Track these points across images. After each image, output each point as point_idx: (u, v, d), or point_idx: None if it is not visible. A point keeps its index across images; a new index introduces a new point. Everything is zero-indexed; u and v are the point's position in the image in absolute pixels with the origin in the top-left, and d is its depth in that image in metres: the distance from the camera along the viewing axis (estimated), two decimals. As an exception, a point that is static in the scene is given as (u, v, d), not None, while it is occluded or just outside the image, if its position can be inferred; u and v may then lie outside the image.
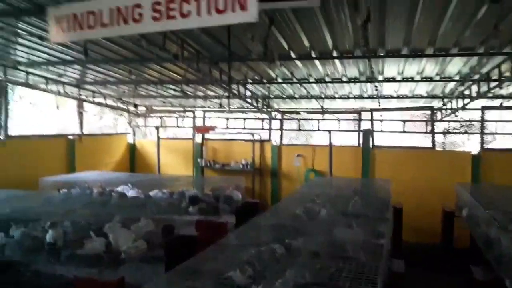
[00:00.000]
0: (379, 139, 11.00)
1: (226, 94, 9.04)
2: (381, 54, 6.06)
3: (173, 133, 13.98)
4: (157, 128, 12.45)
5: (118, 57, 6.79)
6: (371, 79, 7.86)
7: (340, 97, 9.99)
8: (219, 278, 3.05)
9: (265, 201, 11.14)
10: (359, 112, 11.42)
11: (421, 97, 9.68)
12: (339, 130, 11.24)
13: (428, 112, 11.16)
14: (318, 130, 11.56)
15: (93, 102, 10.48)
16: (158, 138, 12.35)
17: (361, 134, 10.88)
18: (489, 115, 10.31)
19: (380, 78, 7.80)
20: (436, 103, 10.51)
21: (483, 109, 10.05)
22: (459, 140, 11.22)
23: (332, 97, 10.01)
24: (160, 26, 3.18)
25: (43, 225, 4.85)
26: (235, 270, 3.14)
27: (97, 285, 3.88)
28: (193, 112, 12.77)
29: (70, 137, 10.47)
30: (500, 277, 4.20)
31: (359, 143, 10.94)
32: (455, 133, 10.76)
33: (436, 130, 10.93)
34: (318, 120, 11.55)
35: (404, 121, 10.99)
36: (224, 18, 2.94)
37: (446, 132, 10.89)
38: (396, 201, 6.83)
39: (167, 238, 5.02)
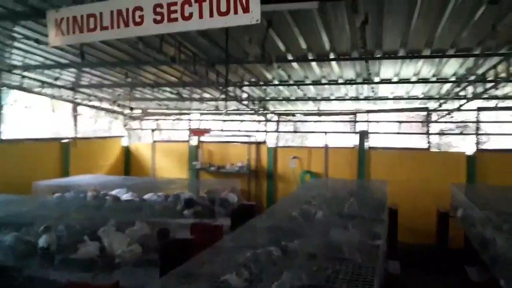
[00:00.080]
0: (374, 141, 11.01)
1: (222, 96, 9.03)
2: (378, 56, 6.07)
3: (168, 136, 13.93)
4: (152, 131, 12.40)
5: (114, 60, 6.76)
6: (368, 81, 7.87)
7: (336, 99, 10.00)
8: (215, 281, 3.02)
9: (261, 203, 11.12)
10: (354, 114, 11.43)
11: (417, 98, 9.72)
12: (335, 132, 11.24)
13: (424, 113, 11.19)
14: (314, 132, 11.56)
15: (88, 105, 10.43)
16: (154, 141, 12.30)
17: (356, 135, 10.89)
18: (484, 115, 10.34)
19: (377, 79, 7.81)
20: (432, 104, 10.54)
21: (479, 110, 10.09)
22: (454, 141, 11.24)
23: (328, 99, 10.02)
24: (162, 29, 3.16)
25: (36, 229, 4.79)
26: (231, 273, 3.12)
27: (91, 289, 3.85)
28: (189, 114, 12.73)
29: (65, 140, 10.40)
30: (495, 277, 4.20)
31: (354, 145, 10.95)
32: (450, 134, 10.78)
33: (431, 131, 10.96)
34: (314, 122, 11.55)
35: (399, 122, 11.01)
36: (226, 20, 2.92)
37: (441, 133, 10.91)
38: (391, 202, 6.83)
39: (162, 241, 4.98)
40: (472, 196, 6.79)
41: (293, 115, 12.02)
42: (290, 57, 6.32)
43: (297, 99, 10.27)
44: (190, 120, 12.80)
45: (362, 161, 10.55)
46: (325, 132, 10.95)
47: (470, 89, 7.72)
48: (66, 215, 5.36)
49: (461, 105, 8.22)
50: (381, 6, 4.34)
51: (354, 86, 8.54)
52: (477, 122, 10.23)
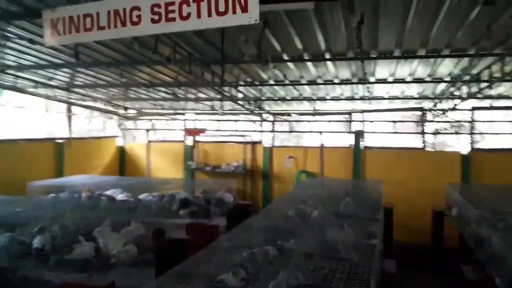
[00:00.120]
0: (370, 140, 11.04)
1: (218, 96, 9.01)
2: (374, 56, 6.08)
3: (163, 136, 13.90)
4: (147, 131, 12.36)
5: (108, 60, 6.72)
6: (363, 81, 7.89)
7: (332, 99, 10.02)
8: (211, 281, 3.02)
9: (256, 203, 11.11)
10: (350, 114, 11.45)
11: (412, 98, 9.75)
12: (330, 132, 11.25)
13: (419, 113, 11.23)
14: (310, 131, 11.57)
15: (83, 106, 10.37)
16: (148, 141, 12.26)
17: (352, 135, 10.91)
18: (478, 115, 10.41)
19: (372, 79, 7.83)
20: (427, 104, 10.59)
21: (473, 109, 10.15)
22: (449, 140, 11.29)
23: (323, 99, 10.03)
24: (160, 29, 3.12)
25: (31, 230, 4.76)
26: (228, 273, 3.11)
27: (87, 290, 3.83)
28: (184, 114, 12.70)
29: (59, 140, 10.34)
30: (491, 276, 4.23)
31: (350, 144, 10.97)
32: (445, 133, 10.84)
33: (426, 131, 11.01)
34: (309, 121, 11.56)
35: (394, 122, 11.05)
36: (224, 20, 2.90)
37: (436, 133, 10.97)
38: (386, 201, 6.86)
39: (157, 241, 4.96)
40: (467, 195, 6.82)
41: (289, 114, 12.03)
42: (285, 57, 6.32)
43: (292, 99, 10.28)
44: (185, 120, 12.76)
45: (357, 160, 10.58)
46: (321, 132, 10.96)
47: (464, 89, 7.76)
48: (60, 215, 5.33)
49: (455, 105, 8.26)
50: (376, 6, 4.35)
51: (350, 86, 8.56)
52: (472, 121, 10.29)
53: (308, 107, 11.23)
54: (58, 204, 6.79)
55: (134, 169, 12.55)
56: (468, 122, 10.45)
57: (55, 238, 4.56)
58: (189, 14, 2.97)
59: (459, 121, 10.63)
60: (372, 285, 2.79)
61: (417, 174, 9.97)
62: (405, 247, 8.27)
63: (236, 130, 12.07)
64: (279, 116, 12.09)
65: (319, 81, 8.04)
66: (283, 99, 10.32)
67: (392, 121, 11.13)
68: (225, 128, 12.48)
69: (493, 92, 8.14)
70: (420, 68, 6.97)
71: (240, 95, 9.54)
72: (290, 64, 6.81)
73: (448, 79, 7.56)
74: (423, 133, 10.90)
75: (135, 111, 12.78)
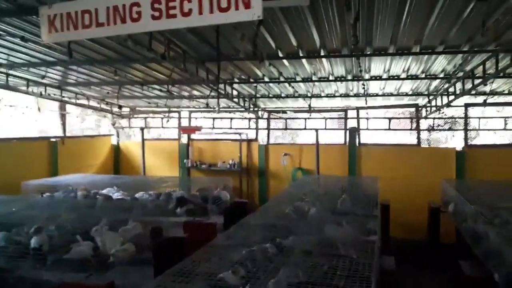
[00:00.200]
0: (365, 137, 11.07)
1: (212, 94, 8.98)
2: (368, 53, 6.09)
3: (158, 134, 13.83)
4: (141, 129, 12.29)
5: (101, 58, 6.66)
6: (358, 78, 7.90)
7: (327, 96, 10.03)
8: (211, 280, 3.01)
9: (253, 201, 11.10)
10: (345, 111, 11.47)
11: (406, 94, 9.79)
12: (325, 129, 11.26)
13: (413, 109, 11.28)
14: (305, 129, 11.58)
15: (76, 104, 10.29)
16: (143, 139, 12.19)
17: (347, 132, 10.93)
18: (473, 111, 10.46)
19: (367, 76, 7.85)
20: (421, 101, 10.63)
21: (467, 106, 10.20)
22: (443, 136, 11.37)
23: (318, 96, 10.04)
24: (160, 25, 3.08)
25: (27, 230, 4.72)
26: (228, 271, 3.11)
27: (85, 290, 3.80)
28: (179, 112, 12.65)
29: (53, 139, 10.25)
30: (489, 271, 4.25)
31: (345, 141, 10.99)
32: (440, 129, 10.89)
33: (421, 127, 11.06)
34: (304, 119, 11.57)
35: (389, 118, 11.08)
36: (227, 16, 2.85)
37: (431, 129, 11.02)
38: (382, 197, 6.88)
39: (155, 240, 4.94)
40: (463, 191, 6.86)
41: (284, 112, 12.02)
42: (280, 54, 6.30)
43: (287, 96, 10.28)
44: (180, 118, 12.71)
45: (353, 157, 10.60)
46: (316, 129, 10.96)
47: (458, 86, 7.80)
48: (57, 215, 5.29)
49: (450, 101, 8.29)
50: (371, 3, 4.35)
51: (344, 83, 8.56)
52: (466, 118, 10.34)
53: (303, 105, 11.23)
54: (54, 204, 6.74)
55: (129, 167, 12.48)
56: (462, 118, 10.50)
57: (52, 238, 4.52)
58: (190, 11, 2.92)
59: (453, 118, 10.69)
60: (373, 283, 2.79)
61: (413, 170, 10.00)
62: (402, 243, 8.29)
63: (231, 128, 12.03)
64: (274, 114, 12.07)
65: (314, 78, 8.04)
66: (278, 97, 10.32)
67: (387, 118, 11.15)
68: (220, 126, 12.43)
69: (487, 88, 8.19)
70: (414, 65, 6.99)
71: (235, 93, 9.51)
72: (285, 61, 6.80)
73: (442, 75, 7.60)
74: (418, 129, 10.94)
75: (129, 109, 12.70)
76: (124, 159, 12.70)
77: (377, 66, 7.18)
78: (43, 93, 8.87)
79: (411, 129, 11.19)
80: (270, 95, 10.27)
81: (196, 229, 6.21)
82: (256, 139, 11.80)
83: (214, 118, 12.31)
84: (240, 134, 11.61)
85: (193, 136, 12.05)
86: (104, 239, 4.48)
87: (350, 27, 4.76)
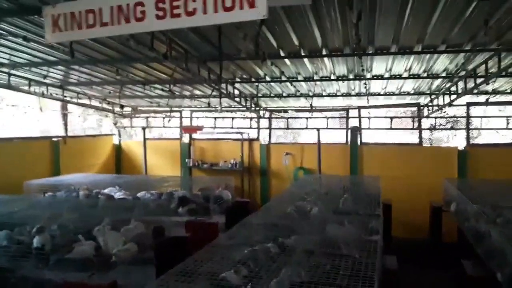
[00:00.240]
0: (366, 136, 11.06)
1: (214, 93, 8.97)
2: (370, 52, 6.08)
3: (159, 134, 13.84)
4: (143, 128, 12.30)
5: (103, 57, 6.67)
6: (360, 77, 7.89)
7: (328, 95, 10.02)
8: (214, 279, 3.01)
9: (254, 200, 11.10)
10: (346, 110, 11.46)
11: (408, 94, 9.77)
12: (327, 128, 11.25)
13: (414, 108, 11.25)
14: (307, 128, 11.57)
15: (78, 103, 10.30)
16: (145, 138, 12.20)
17: (349, 131, 10.92)
18: (475, 110, 10.44)
19: (368, 75, 7.83)
20: (423, 100, 10.61)
21: (468, 105, 10.18)
22: (445, 136, 11.35)
23: (320, 95, 10.03)
24: (165, 25, 3.06)
25: (29, 229, 4.73)
26: (230, 270, 3.10)
27: (88, 289, 3.81)
28: (180, 112, 12.65)
29: (55, 139, 10.27)
30: (491, 270, 4.24)
31: (347, 141, 10.98)
32: (442, 129, 10.87)
33: (422, 127, 11.04)
34: (306, 118, 11.56)
35: (391, 118, 11.07)
36: (231, 15, 2.83)
37: (432, 128, 10.99)
38: (384, 197, 6.87)
39: (157, 239, 4.94)
40: (465, 190, 6.85)
41: (285, 111, 12.01)
42: (282, 54, 6.30)
43: (289, 96, 10.27)
44: (181, 117, 12.71)
45: (354, 157, 10.59)
46: (318, 129, 10.95)
47: (460, 84, 7.78)
48: (59, 214, 5.29)
49: (452, 101, 8.28)
50: (373, 2, 4.34)
51: (346, 82, 8.55)
52: (468, 117, 10.32)
53: (305, 104, 11.22)
54: (56, 203, 6.74)
55: (130, 167, 12.49)
56: (464, 117, 10.48)
57: (54, 238, 4.52)
58: (195, 10, 2.90)
59: (455, 117, 10.66)
60: (376, 282, 2.79)
61: (414, 169, 9.99)
62: (403, 242, 8.28)
63: (233, 127, 12.03)
64: (276, 113, 12.07)
65: (315, 77, 8.04)
66: (279, 96, 10.31)
67: (389, 117, 11.13)
68: (221, 125, 12.44)
69: (489, 87, 8.18)
70: (416, 64, 6.98)
71: (237, 92, 9.51)
72: (287, 61, 6.79)
73: (444, 74, 7.58)
74: (420, 128, 10.92)
75: (130, 109, 12.71)
76: (125, 158, 12.72)
77: (379, 65, 7.17)
78: (45, 92, 8.89)
79: (412, 129, 11.17)
80: (272, 95, 10.27)
81: (198, 229, 6.21)
82: (257, 139, 11.80)
83: (215, 118, 12.32)
84: (241, 133, 11.61)
85: (194, 135, 12.05)
86: (106, 239, 4.48)
87: (352, 26, 4.76)
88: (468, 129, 10.31)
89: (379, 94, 9.90)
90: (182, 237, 5.61)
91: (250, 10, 2.77)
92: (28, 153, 9.33)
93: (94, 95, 10.49)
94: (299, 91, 9.60)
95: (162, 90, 9.43)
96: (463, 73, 7.26)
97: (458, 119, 10.68)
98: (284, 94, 10.19)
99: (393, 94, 9.83)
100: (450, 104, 8.58)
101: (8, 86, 7.92)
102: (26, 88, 8.43)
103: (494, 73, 6.11)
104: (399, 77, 7.84)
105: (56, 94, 9.38)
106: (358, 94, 9.90)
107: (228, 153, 11.68)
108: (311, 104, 10.50)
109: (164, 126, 12.92)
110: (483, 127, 10.68)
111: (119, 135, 12.94)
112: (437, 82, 8.47)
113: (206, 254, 3.51)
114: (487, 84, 7.08)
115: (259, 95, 10.19)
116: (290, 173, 11.09)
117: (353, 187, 7.29)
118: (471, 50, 5.81)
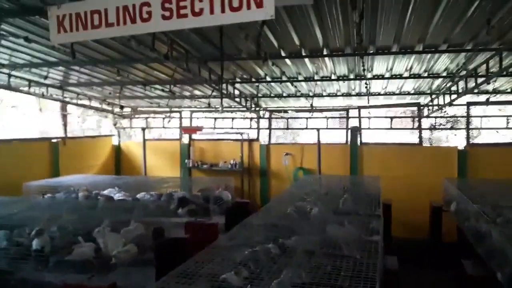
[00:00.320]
0: (366, 136, 11.05)
1: (215, 93, 8.96)
2: (372, 52, 6.07)
3: (159, 134, 13.82)
4: (143, 129, 12.28)
5: (104, 58, 6.66)
6: (360, 77, 7.88)
7: (329, 95, 10.01)
8: (215, 281, 2.99)
9: (254, 201, 11.08)
10: (346, 110, 11.45)
11: (408, 93, 9.76)
12: (327, 128, 11.24)
13: (414, 108, 11.25)
14: (306, 128, 11.56)
15: (77, 104, 10.28)
16: (144, 139, 12.18)
17: (349, 131, 10.91)
18: (475, 110, 10.43)
19: (369, 75, 7.83)
20: (423, 99, 10.60)
21: (469, 104, 10.17)
22: (445, 135, 11.34)
23: (320, 95, 10.02)
24: (171, 25, 3.03)
25: (28, 231, 4.70)
26: (231, 272, 3.09)
27: (88, 291, 3.79)
28: (180, 112, 12.64)
29: (54, 140, 10.25)
30: (492, 270, 4.23)
31: (347, 141, 10.97)
32: (442, 128, 10.86)
33: (422, 126, 11.03)
34: (306, 118, 11.55)
35: (391, 118, 11.06)
36: (238, 16, 2.80)
37: (432, 128, 10.98)
38: (384, 197, 6.85)
39: (157, 241, 4.93)
40: (465, 190, 6.83)
41: (285, 111, 12.00)
42: (283, 54, 6.29)
43: (289, 96, 10.26)
44: (181, 118, 12.70)
45: (354, 157, 10.57)
46: (318, 129, 10.95)
47: (461, 84, 7.78)
48: (58, 216, 5.27)
49: (452, 100, 8.27)
50: (375, 1, 4.33)
51: (346, 82, 8.54)
52: (468, 116, 10.32)
53: (305, 104, 11.21)
54: (55, 205, 6.72)
55: (130, 168, 12.46)
56: (464, 117, 10.48)
57: (54, 239, 4.50)
58: (201, 10, 2.88)
59: (455, 116, 10.65)
60: (378, 283, 2.78)
61: (414, 169, 9.98)
62: (404, 242, 8.27)
63: (233, 128, 12.02)
64: (276, 113, 12.05)
65: (316, 77, 8.03)
66: (279, 96, 10.30)
67: (389, 117, 11.13)
68: (221, 125, 12.42)
69: (489, 87, 8.17)
70: (416, 64, 6.97)
71: (237, 92, 9.50)
72: (288, 61, 6.79)
73: (445, 74, 7.58)
74: (420, 128, 10.91)
75: (130, 110, 12.69)
76: (125, 159, 12.69)
77: (380, 65, 7.17)
78: (45, 93, 8.87)
79: (413, 128, 11.16)
80: (272, 95, 10.26)
81: (198, 230, 6.20)
82: (257, 139, 11.79)
83: (215, 118, 12.31)
84: (241, 134, 11.59)
85: (194, 136, 12.02)
86: (106, 240, 4.46)
87: (353, 26, 4.75)
88: (468, 128, 10.30)
89: (379, 94, 9.90)
90: (182, 238, 5.60)
91: (258, 10, 2.74)
92: (27, 155, 9.30)
93: (94, 96, 10.48)
94: (299, 91, 9.59)
95: (162, 90, 9.42)
96: (464, 72, 7.25)
97: (458, 118, 10.66)
98: (284, 94, 10.18)
99: (394, 94, 9.82)
100: (450, 104, 8.57)
101: (8, 87, 7.91)
102: (26, 89, 8.42)
103: (495, 72, 6.11)
104: (399, 76, 7.84)
105: (56, 95, 9.37)
106: (359, 94, 9.90)
107: (228, 154, 11.66)
108: (311, 104, 10.49)
109: (163, 127, 12.90)
110: (483, 127, 10.67)
111: (119, 136, 12.92)
112: (438, 81, 8.47)
113: (207, 256, 3.50)
114: (488, 83, 7.08)
115: (259, 95, 10.18)
116: (290, 174, 11.07)
117: (353, 187, 7.28)
118: (473, 49, 5.80)
